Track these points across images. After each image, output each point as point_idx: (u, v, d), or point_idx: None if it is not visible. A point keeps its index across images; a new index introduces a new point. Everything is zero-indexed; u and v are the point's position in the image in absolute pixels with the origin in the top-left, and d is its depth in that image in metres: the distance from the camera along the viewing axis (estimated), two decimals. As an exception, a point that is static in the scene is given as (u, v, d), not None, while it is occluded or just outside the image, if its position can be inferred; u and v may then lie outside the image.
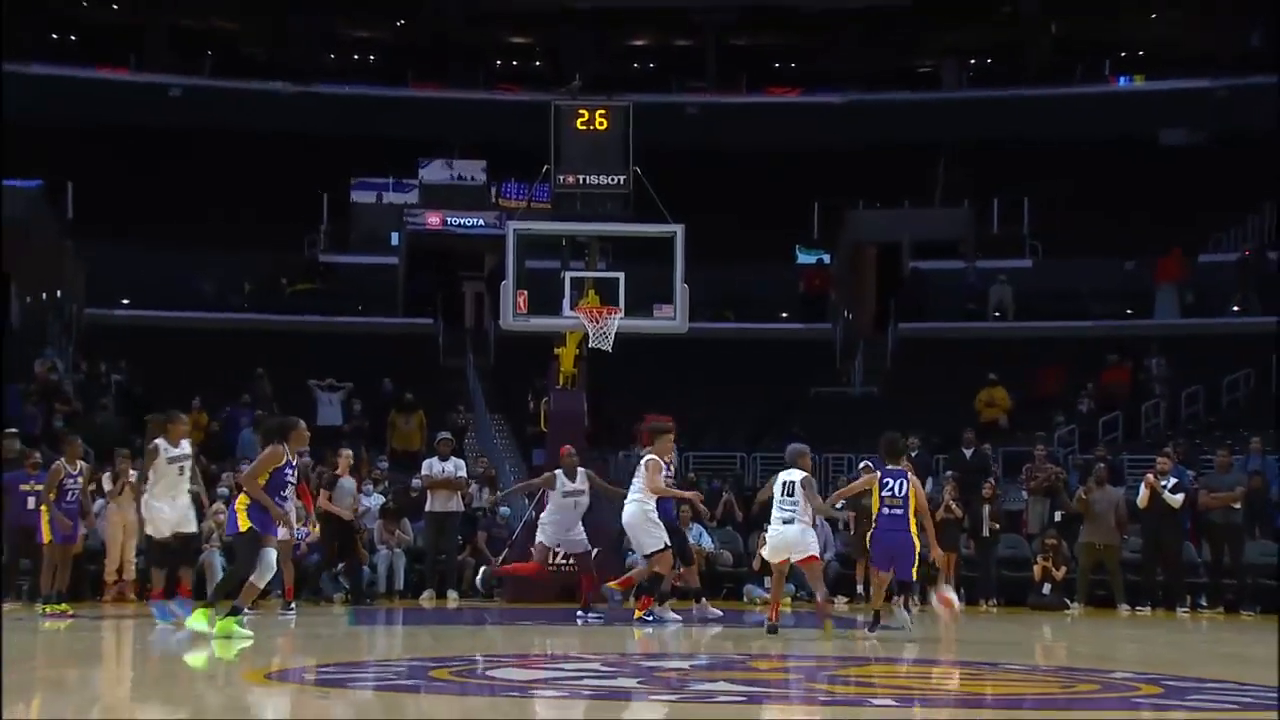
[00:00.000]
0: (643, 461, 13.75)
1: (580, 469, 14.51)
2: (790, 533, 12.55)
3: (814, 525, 12.87)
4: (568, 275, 16.48)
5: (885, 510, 12.24)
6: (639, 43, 37.06)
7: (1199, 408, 24.30)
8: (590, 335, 16.18)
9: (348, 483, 16.41)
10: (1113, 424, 23.65)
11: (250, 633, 11.37)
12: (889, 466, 12.44)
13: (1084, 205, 29.50)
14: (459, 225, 31.16)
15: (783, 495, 12.57)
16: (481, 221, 30.77)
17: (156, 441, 12.85)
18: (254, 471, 11.49)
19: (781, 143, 32.40)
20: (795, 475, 12.60)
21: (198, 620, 11.35)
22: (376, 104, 33.36)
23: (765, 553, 13.21)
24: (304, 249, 30.31)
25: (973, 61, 35.97)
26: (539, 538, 14.50)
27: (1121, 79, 34.40)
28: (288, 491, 12.04)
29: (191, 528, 13.20)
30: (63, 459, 15.02)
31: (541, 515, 14.68)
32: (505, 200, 30.75)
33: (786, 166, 31.75)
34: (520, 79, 35.15)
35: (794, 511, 12.54)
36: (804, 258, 31.64)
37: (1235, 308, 27.15)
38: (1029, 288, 28.09)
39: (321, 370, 24.14)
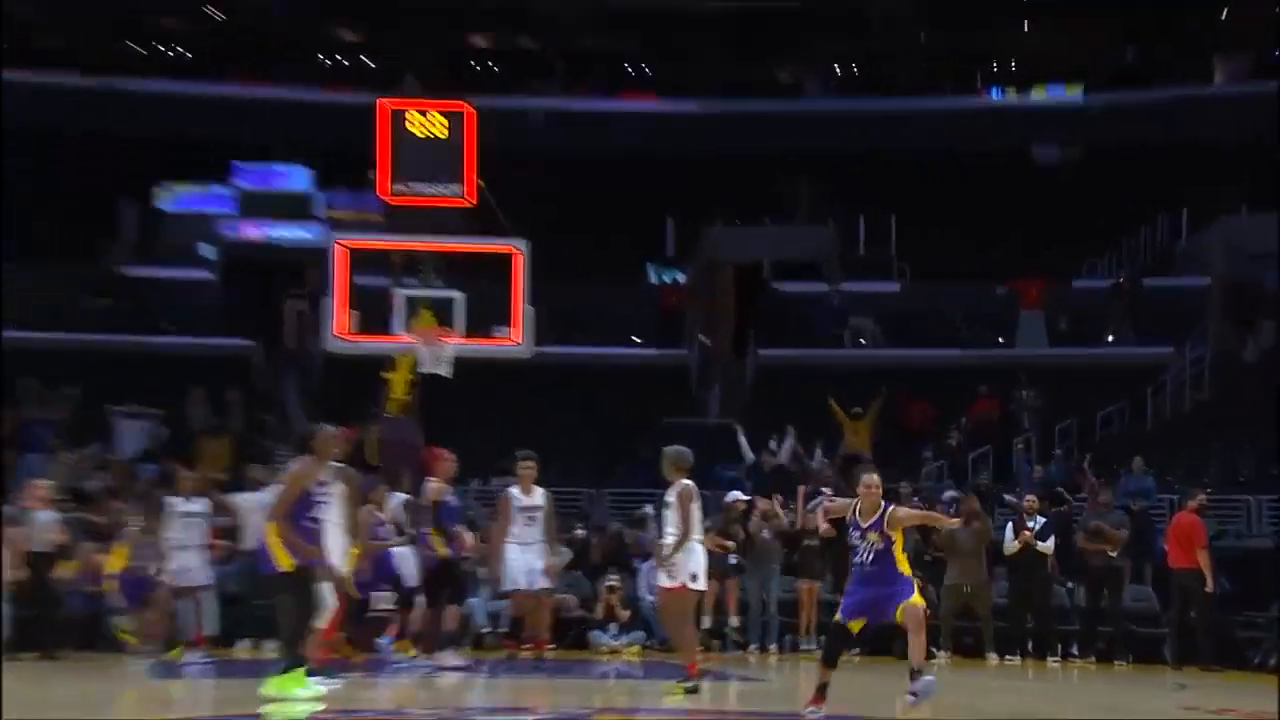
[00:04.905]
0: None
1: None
2: None
3: None
4: (400, 293, 16.39)
5: None
6: (479, 43, 37.05)
7: (1071, 442, 24.85)
8: (425, 359, 16.10)
9: None
10: (983, 459, 24.07)
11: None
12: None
13: (953, 224, 30.13)
14: (280, 237, 30.85)
15: None
16: (305, 233, 30.49)
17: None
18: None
19: (634, 153, 32.62)
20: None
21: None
22: (186, 102, 32.81)
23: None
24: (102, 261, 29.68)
25: (838, 70, 36.62)
26: None
27: (993, 91, 35.36)
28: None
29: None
30: None
31: None
32: (333, 211, 30.51)
33: (639, 178, 31.97)
34: (352, 79, 34.91)
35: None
36: (657, 277, 31.86)
37: (1109, 338, 27.85)
38: (896, 312, 28.56)
39: (123, 395, 23.68)
